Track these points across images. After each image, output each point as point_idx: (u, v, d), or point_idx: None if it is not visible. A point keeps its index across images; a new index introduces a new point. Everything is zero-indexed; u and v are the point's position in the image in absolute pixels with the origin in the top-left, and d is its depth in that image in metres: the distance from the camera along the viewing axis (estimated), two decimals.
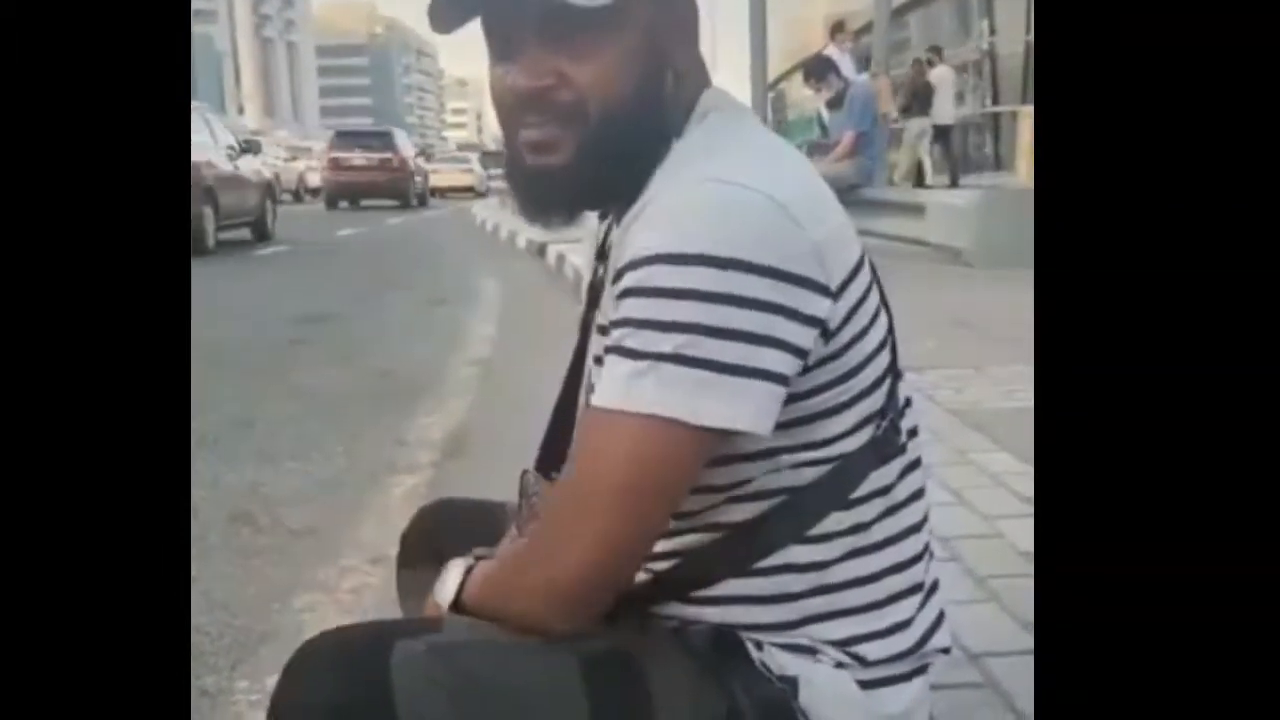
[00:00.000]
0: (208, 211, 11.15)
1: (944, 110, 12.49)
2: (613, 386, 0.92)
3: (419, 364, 5.24)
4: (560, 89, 1.00)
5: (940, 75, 12.53)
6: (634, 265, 0.92)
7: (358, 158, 22.97)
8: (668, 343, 0.90)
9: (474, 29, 1.06)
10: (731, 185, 0.93)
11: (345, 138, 24.27)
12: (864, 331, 0.99)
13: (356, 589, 2.47)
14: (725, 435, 0.93)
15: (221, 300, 7.32)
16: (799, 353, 0.93)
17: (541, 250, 10.05)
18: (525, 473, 1.23)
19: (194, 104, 10.75)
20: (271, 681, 1.94)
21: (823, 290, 0.94)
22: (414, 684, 0.95)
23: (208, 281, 7.62)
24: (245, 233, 12.99)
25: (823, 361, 0.97)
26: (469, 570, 1.08)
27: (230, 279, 9.05)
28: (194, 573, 2.54)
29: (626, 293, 0.93)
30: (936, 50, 13.59)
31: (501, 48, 1.03)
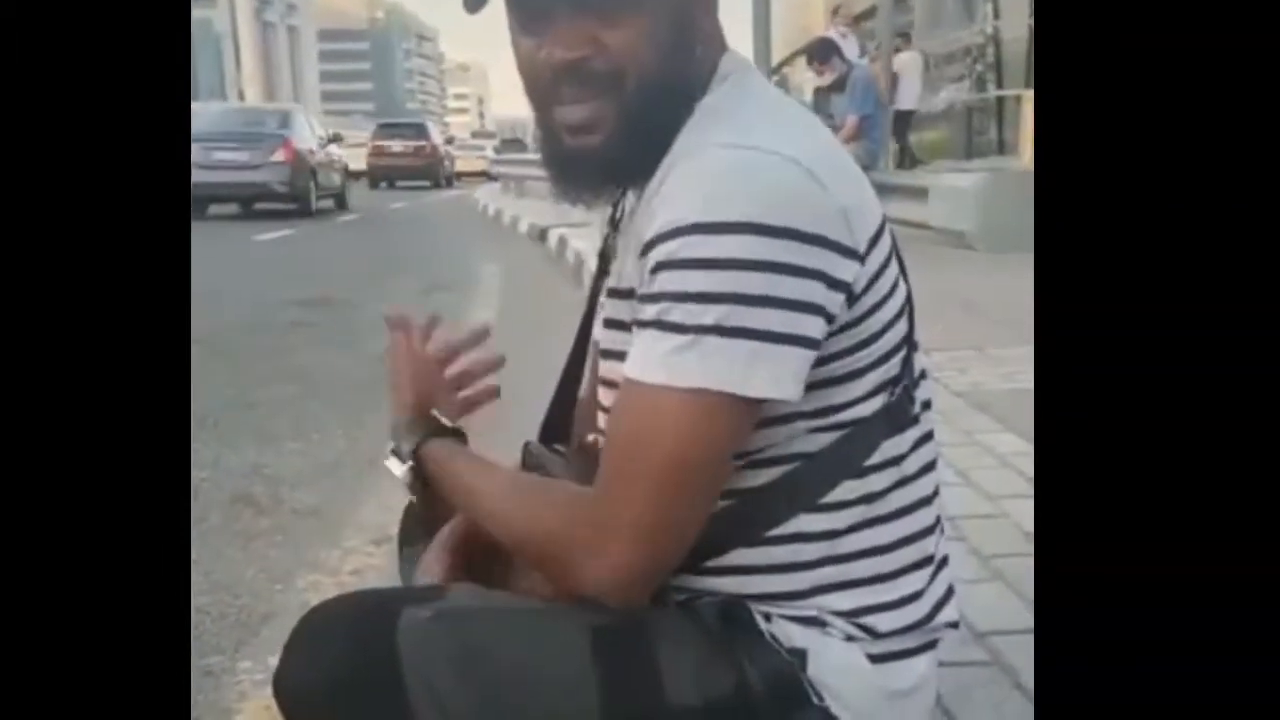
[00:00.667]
0: (312, 186, 15.06)
1: (908, 96, 12.36)
2: (654, 362, 0.91)
3: None
4: (596, 58, 0.98)
5: (905, 61, 12.40)
6: (664, 237, 0.91)
7: (396, 145, 27.19)
8: (708, 315, 0.89)
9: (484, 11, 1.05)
10: (756, 151, 0.92)
11: (386, 128, 28.58)
12: (885, 298, 0.99)
13: (359, 570, 2.47)
14: (767, 403, 0.92)
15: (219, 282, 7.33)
16: (829, 317, 0.93)
17: (543, 235, 10.04)
18: (528, 444, 1.22)
19: (294, 105, 15.17)
20: (274, 662, 1.94)
21: (851, 254, 0.93)
22: (421, 651, 0.94)
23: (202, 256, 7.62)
24: (330, 202, 16.56)
25: (845, 326, 0.96)
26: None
27: (227, 264, 9.04)
28: (196, 554, 2.54)
29: (660, 266, 0.91)
30: (904, 36, 13.47)
31: (531, 20, 1.01)
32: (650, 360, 0.91)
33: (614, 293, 1.03)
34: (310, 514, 2.87)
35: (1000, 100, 16.13)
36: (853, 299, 0.95)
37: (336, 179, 16.69)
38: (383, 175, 26.88)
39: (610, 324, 1.02)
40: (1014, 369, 3.86)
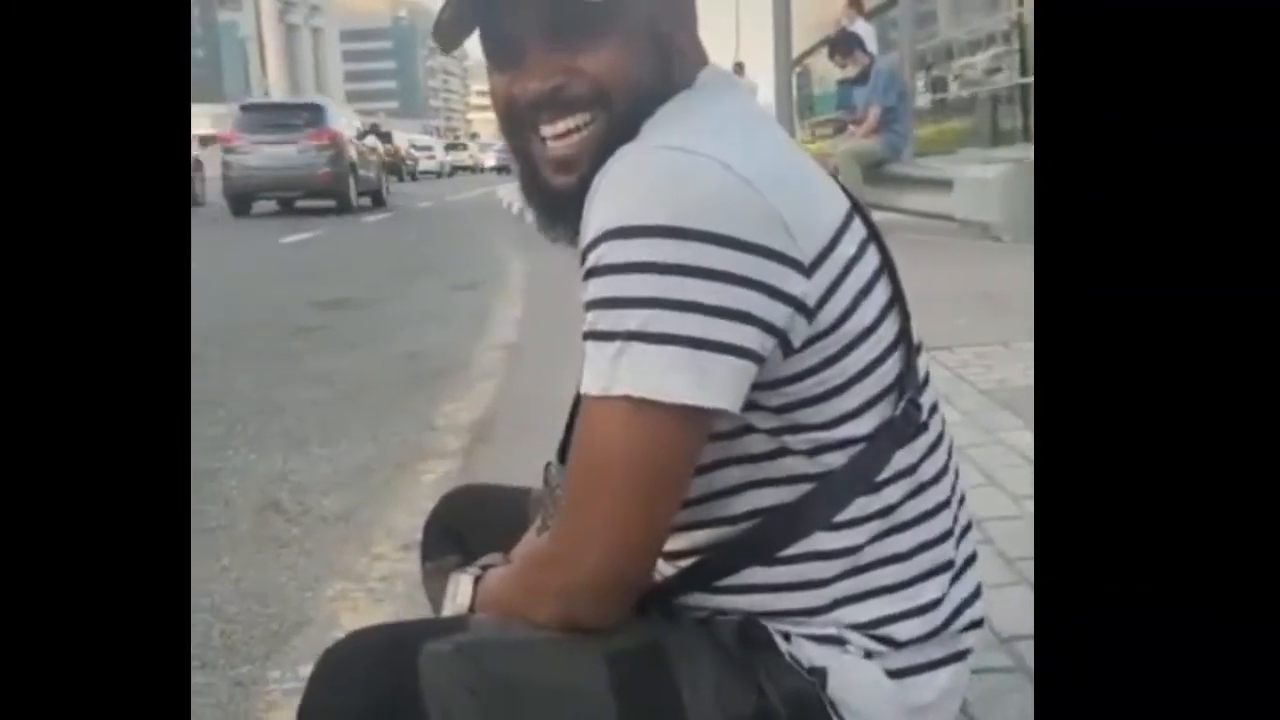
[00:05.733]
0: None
1: None
2: (591, 372, 0.91)
3: (446, 348, 5.26)
4: (571, 84, 0.99)
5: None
6: (593, 244, 0.91)
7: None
8: (631, 320, 0.88)
9: None
10: (680, 152, 0.91)
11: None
12: (848, 312, 0.96)
13: (387, 577, 2.47)
14: (706, 413, 0.91)
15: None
16: (768, 328, 0.91)
17: None
18: (549, 465, 1.23)
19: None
20: (305, 671, 1.94)
21: (791, 263, 0.91)
22: (441, 684, 0.95)
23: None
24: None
25: (809, 342, 0.94)
26: (478, 580, 1.09)
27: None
28: (226, 563, 2.57)
29: (589, 273, 0.91)
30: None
31: (503, 56, 1.02)
32: (589, 372, 0.92)
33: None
34: (338, 520, 2.89)
35: (1025, 87, 15.99)
36: (808, 312, 0.93)
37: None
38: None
39: None
40: None
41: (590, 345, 0.92)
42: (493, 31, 1.02)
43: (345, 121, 18.13)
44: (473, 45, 1.05)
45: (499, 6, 0.99)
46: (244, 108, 18.46)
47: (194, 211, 17.83)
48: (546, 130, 1.02)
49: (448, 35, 1.03)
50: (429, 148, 48.74)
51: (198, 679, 2.02)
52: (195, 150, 20.01)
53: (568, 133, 1.01)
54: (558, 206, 1.04)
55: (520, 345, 5.27)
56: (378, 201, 18.77)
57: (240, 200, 16.70)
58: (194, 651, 2.11)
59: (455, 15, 1.02)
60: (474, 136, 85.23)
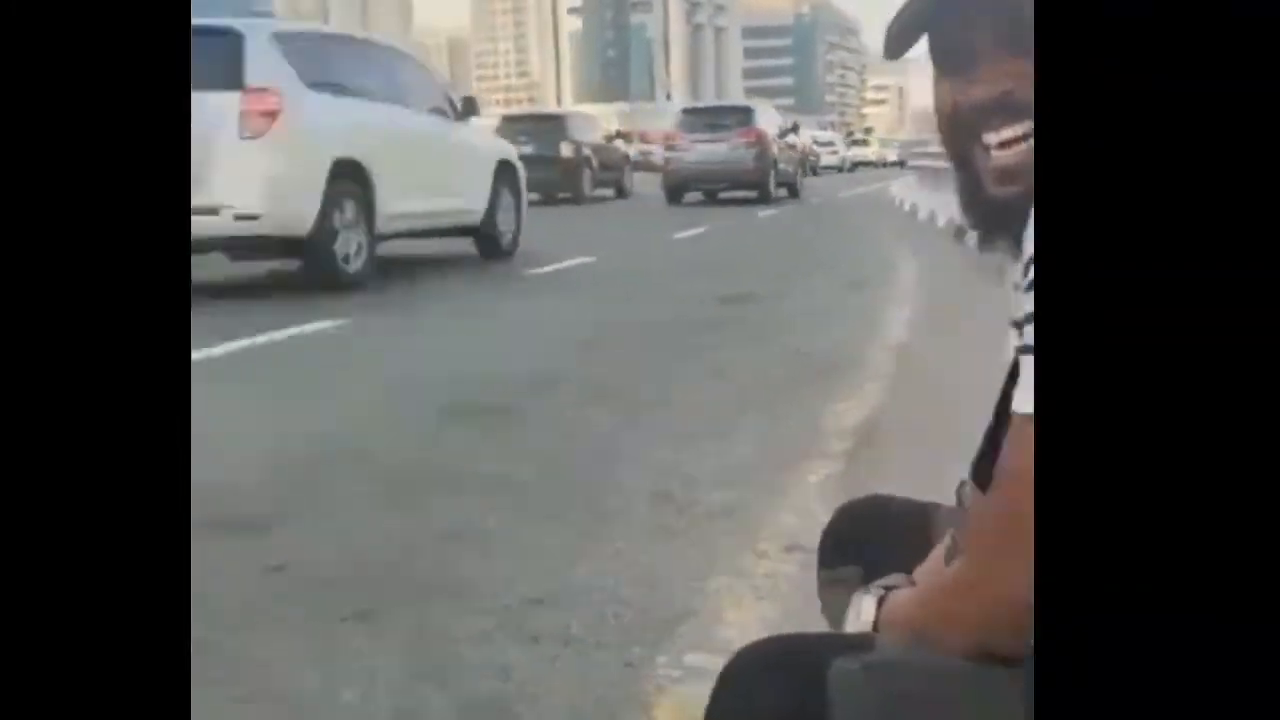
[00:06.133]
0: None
1: None
2: (1027, 389, 0.86)
3: (836, 347, 5.27)
4: (1020, 90, 0.95)
5: None
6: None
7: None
8: None
9: None
10: None
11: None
12: None
13: (771, 575, 2.49)
14: None
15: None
16: None
17: (961, 232, 9.73)
18: (962, 484, 1.18)
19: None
20: (691, 660, 1.99)
21: None
22: (850, 701, 0.94)
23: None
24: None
25: None
26: (881, 600, 1.06)
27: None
28: (620, 545, 2.70)
29: (1030, 287, 0.86)
30: None
31: (953, 62, 1.00)
32: (1024, 389, 0.86)
33: (1015, 325, 0.98)
34: (724, 515, 2.94)
35: None
36: None
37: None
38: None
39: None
40: None
41: (1026, 360, 0.88)
42: (943, 38, 1.01)
43: (769, 120, 20.17)
44: (871, 38, 1.03)
45: (953, 13, 0.98)
46: (684, 111, 21.75)
47: (618, 203, 19.42)
48: (991, 138, 0.99)
49: (897, 43, 1.04)
50: (831, 143, 49.37)
51: (594, 655, 2.13)
52: (624, 148, 23.33)
53: (1014, 140, 0.98)
54: (999, 218, 1.01)
55: (910, 346, 5.17)
56: (793, 193, 20.80)
57: (675, 191, 18.84)
58: (588, 631, 2.23)
59: (907, 25, 1.01)
60: (868, 131, 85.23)
